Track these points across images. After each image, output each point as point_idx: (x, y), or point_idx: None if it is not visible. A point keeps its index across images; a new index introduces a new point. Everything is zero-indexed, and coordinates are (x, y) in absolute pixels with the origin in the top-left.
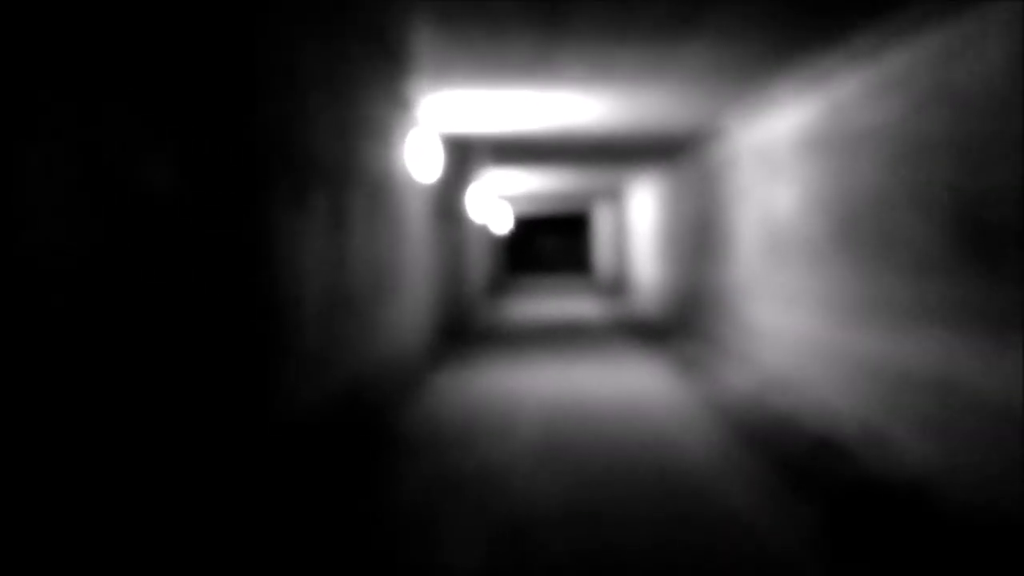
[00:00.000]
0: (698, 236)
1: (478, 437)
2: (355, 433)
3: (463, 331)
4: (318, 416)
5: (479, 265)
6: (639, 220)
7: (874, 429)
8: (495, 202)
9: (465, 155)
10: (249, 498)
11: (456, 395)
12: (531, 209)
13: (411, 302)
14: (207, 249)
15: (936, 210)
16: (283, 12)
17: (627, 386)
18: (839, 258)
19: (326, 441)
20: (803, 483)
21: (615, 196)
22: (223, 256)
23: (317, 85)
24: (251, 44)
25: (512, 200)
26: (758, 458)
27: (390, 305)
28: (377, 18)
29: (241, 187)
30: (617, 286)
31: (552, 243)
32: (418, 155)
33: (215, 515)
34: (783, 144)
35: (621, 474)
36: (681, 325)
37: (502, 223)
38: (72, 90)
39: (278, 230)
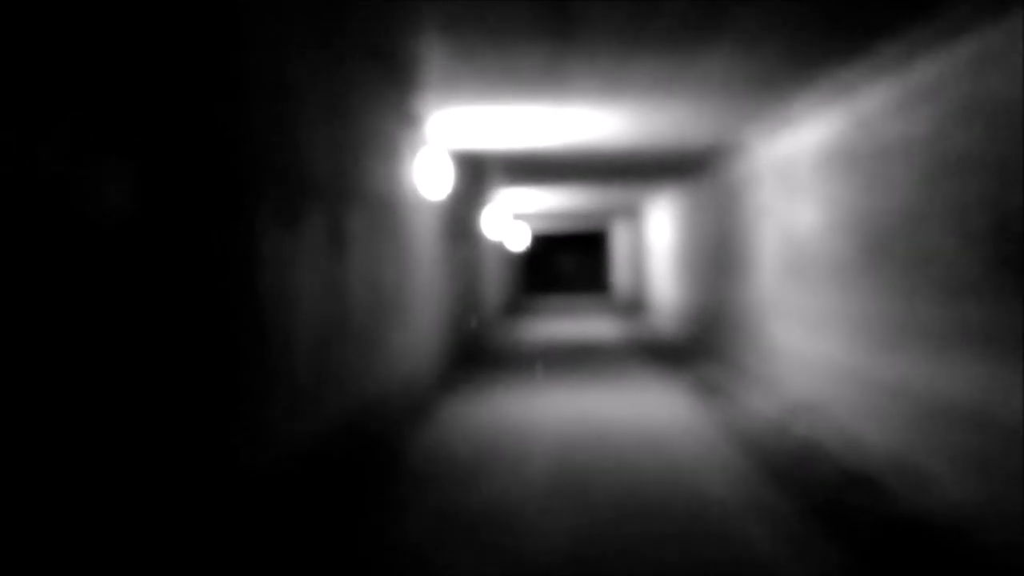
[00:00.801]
0: (717, 255)
1: (488, 470)
2: (356, 468)
3: (477, 354)
4: (312, 453)
5: (494, 285)
6: (657, 238)
7: (908, 462)
8: (511, 220)
9: (478, 173)
10: (217, 555)
11: (466, 423)
12: (548, 227)
13: (420, 325)
14: (167, 279)
15: (973, 228)
16: (275, 21)
17: (645, 413)
18: (867, 279)
19: (322, 480)
20: (835, 523)
21: (633, 214)
22: (187, 287)
23: (313, 97)
24: (235, 51)
25: (529, 218)
26: (785, 494)
27: (396, 329)
28: (381, 32)
29: (216, 207)
30: (635, 305)
31: (569, 261)
32: (427, 172)
33: None
34: (805, 160)
35: (639, 513)
36: (700, 346)
37: (518, 241)
38: None
39: (263, 254)
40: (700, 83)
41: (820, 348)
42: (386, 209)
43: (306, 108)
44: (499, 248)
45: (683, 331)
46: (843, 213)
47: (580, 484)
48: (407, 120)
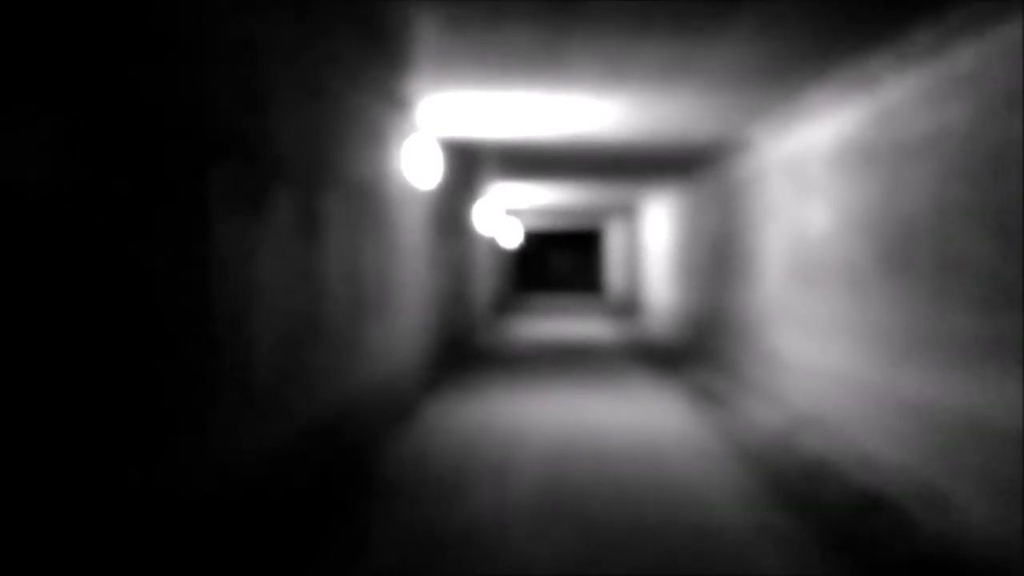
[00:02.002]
0: (718, 256)
1: (471, 485)
2: (325, 482)
3: (466, 353)
4: (274, 466)
5: (485, 282)
6: (653, 238)
7: (930, 485)
8: (504, 215)
9: (471, 163)
10: None
11: (451, 430)
12: (541, 224)
13: (404, 322)
14: (81, 267)
15: (1013, 230)
16: None
17: (641, 422)
18: (886, 285)
19: (283, 497)
20: (856, 554)
21: (628, 213)
22: (108, 277)
23: (286, 70)
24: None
25: (522, 214)
26: (797, 518)
27: (377, 326)
28: (369, 7)
29: (154, 184)
30: (629, 307)
31: (562, 260)
32: (416, 161)
33: None
34: (818, 157)
35: (637, 538)
36: (697, 351)
37: (511, 238)
38: None
39: (217, 239)
40: (710, 71)
41: (829, 358)
42: (369, 197)
43: (277, 81)
44: (491, 244)
45: (679, 335)
46: (859, 214)
47: (572, 503)
48: (395, 103)
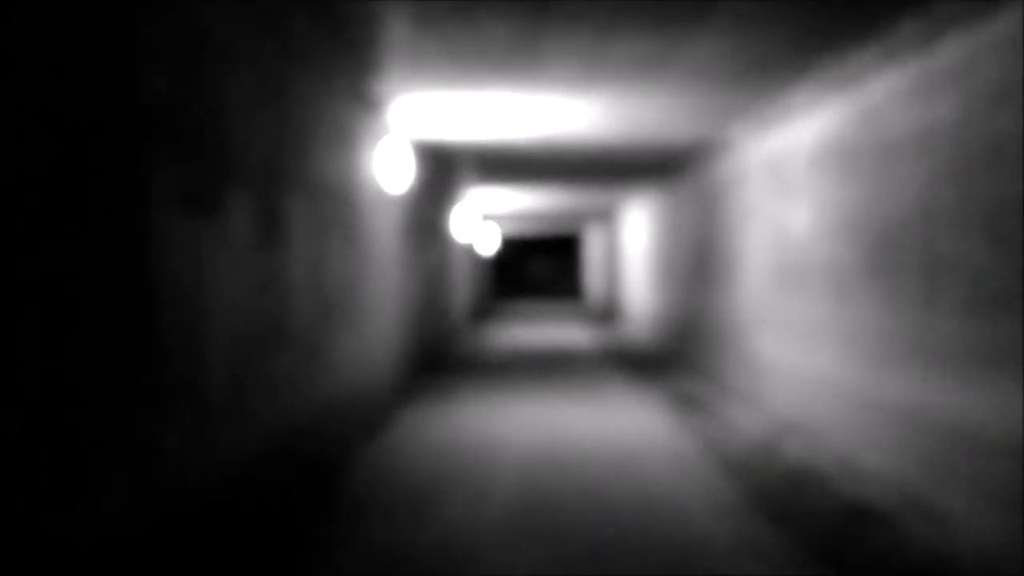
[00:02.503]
0: (697, 260)
1: (443, 496)
2: (289, 497)
3: (442, 361)
4: (233, 482)
5: (462, 288)
6: (632, 243)
7: (921, 497)
8: (481, 221)
9: (446, 167)
10: None
11: (424, 440)
12: (519, 229)
13: (376, 329)
14: None
15: (1007, 231)
16: None
17: (621, 431)
18: (871, 288)
19: (244, 513)
20: (843, 568)
21: (607, 217)
22: (23, 288)
23: (244, 65)
24: None
25: (500, 220)
26: (782, 530)
27: (347, 334)
28: (336, 4)
29: (83, 184)
30: (608, 312)
31: (541, 266)
32: (388, 164)
33: None
34: (800, 157)
35: (616, 552)
36: (677, 356)
37: (488, 244)
38: None
39: (162, 242)
40: (687, 69)
41: (813, 363)
42: (337, 201)
43: (233, 76)
44: (468, 250)
45: (659, 340)
46: (843, 215)
47: (548, 517)
48: (365, 104)
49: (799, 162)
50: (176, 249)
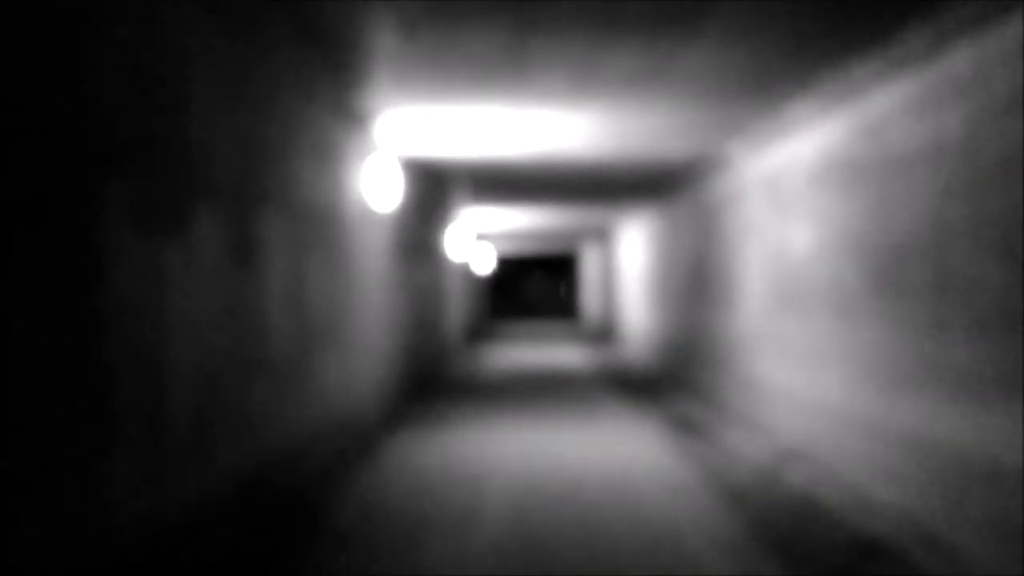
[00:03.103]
0: (695, 280)
1: (430, 531)
2: (263, 534)
3: (434, 384)
4: (198, 521)
5: (456, 309)
6: (629, 262)
7: (935, 530)
8: (475, 240)
9: (438, 185)
10: None
11: (411, 470)
12: (514, 249)
13: (364, 354)
14: None
15: (1021, 248)
16: None
17: (618, 459)
18: (877, 309)
19: (209, 554)
20: None
21: (603, 236)
22: None
23: (213, 74)
24: None
25: (494, 239)
26: (789, 566)
27: (330, 360)
28: (310, 7)
29: (14, 198)
30: (605, 332)
31: (536, 286)
32: (376, 181)
33: None
34: (800, 173)
35: None
36: (674, 378)
37: (483, 263)
38: None
39: (114, 265)
40: (681, 83)
41: (815, 387)
42: (319, 219)
43: (200, 84)
44: (462, 270)
45: (656, 362)
46: (846, 234)
47: (541, 552)
48: (350, 118)
49: (799, 178)
50: (130, 269)
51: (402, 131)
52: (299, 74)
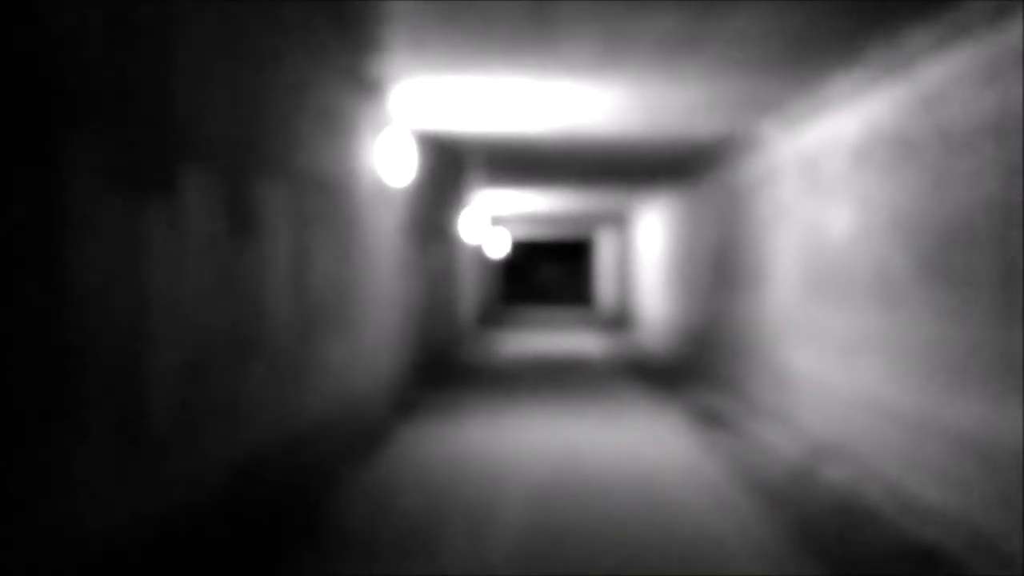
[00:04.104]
0: (720, 265)
1: (441, 530)
2: (257, 534)
3: (447, 371)
4: (184, 521)
5: (469, 293)
6: (647, 247)
7: (995, 537)
8: (490, 223)
9: (454, 163)
10: None
11: (422, 462)
12: (529, 233)
13: (372, 338)
14: None
15: None
16: None
17: (640, 451)
18: (928, 297)
19: (196, 557)
20: None
21: (620, 221)
22: None
23: (207, 23)
24: None
25: (509, 223)
26: (835, 572)
27: (336, 343)
28: None
29: None
30: (620, 319)
31: (551, 271)
32: (389, 154)
33: None
34: (841, 152)
35: None
36: (696, 367)
37: (497, 247)
38: None
39: (79, 232)
40: (717, 54)
41: (855, 380)
42: (327, 193)
43: (189, 27)
44: (476, 253)
45: (675, 349)
46: (894, 214)
47: (562, 555)
48: (363, 87)
49: (840, 157)
50: (102, 237)
51: (418, 103)
52: (307, 33)
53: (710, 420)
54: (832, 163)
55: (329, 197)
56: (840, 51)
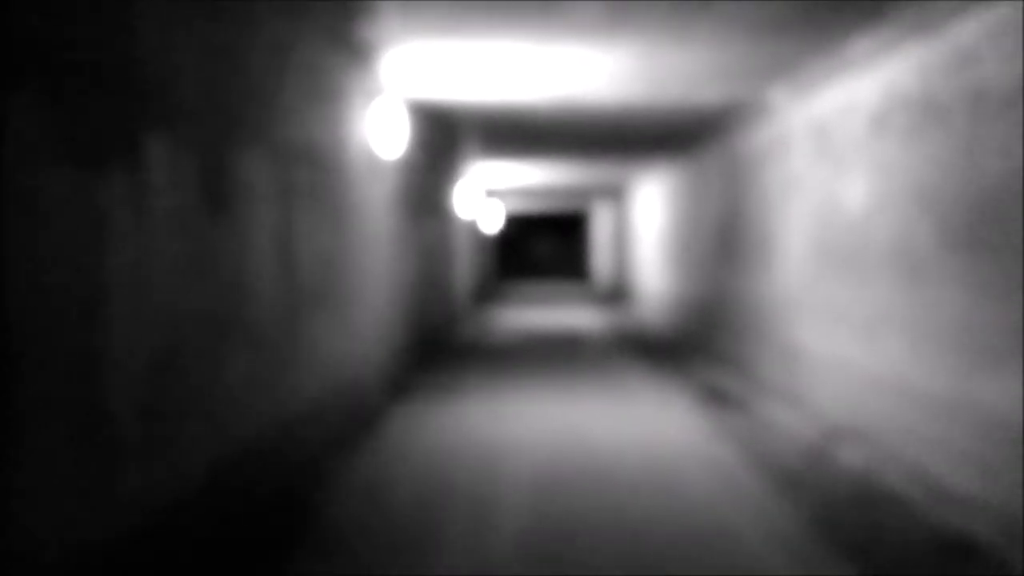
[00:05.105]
0: (724, 238)
1: (436, 528)
2: (238, 531)
3: (443, 348)
4: (157, 523)
5: (464, 268)
6: (645, 221)
7: None
8: (484, 198)
9: (449, 134)
10: None
11: (417, 448)
12: (524, 207)
13: (365, 317)
14: None
15: None
16: None
17: (647, 434)
18: (956, 271)
19: (168, 560)
20: None
21: (617, 194)
22: None
23: None
24: None
25: (503, 196)
26: (868, 569)
27: (327, 324)
28: None
29: None
30: (617, 294)
31: (546, 245)
32: (380, 124)
33: None
34: (859, 117)
35: None
36: (697, 343)
37: (492, 221)
38: None
39: (26, 203)
40: (730, 14)
41: (873, 357)
42: (315, 164)
43: None
44: (471, 228)
45: (676, 325)
46: (917, 182)
47: (568, 549)
48: (352, 51)
49: (858, 123)
50: (48, 212)
51: (410, 70)
52: None
53: (717, 399)
54: (848, 130)
55: (317, 169)
56: (863, 9)
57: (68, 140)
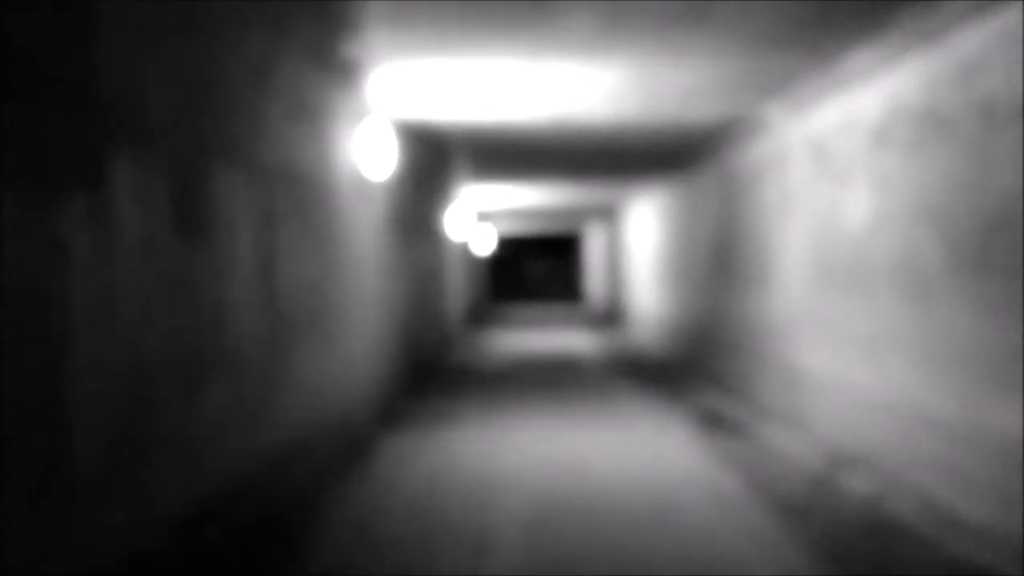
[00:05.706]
0: (719, 258)
1: (429, 557)
2: (219, 569)
3: (434, 373)
4: (126, 572)
5: (456, 291)
6: (638, 242)
7: None
8: (476, 220)
9: (439, 156)
10: None
11: (409, 479)
12: (516, 229)
13: (355, 343)
14: None
15: None
16: None
17: (647, 462)
18: (966, 290)
19: None
20: None
21: (610, 215)
22: None
23: None
24: None
25: (495, 218)
26: None
27: (314, 353)
28: None
29: None
30: (611, 316)
31: (539, 267)
32: (368, 146)
33: None
34: (860, 132)
35: None
36: (694, 366)
37: (484, 243)
38: None
39: None
40: (725, 29)
41: (878, 381)
42: (300, 187)
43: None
44: (462, 251)
45: (671, 348)
46: (923, 199)
47: None
48: (337, 70)
49: (858, 139)
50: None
51: (398, 90)
52: (271, 4)
53: (716, 424)
54: (848, 145)
55: (302, 192)
56: (863, 21)
57: (21, 159)
